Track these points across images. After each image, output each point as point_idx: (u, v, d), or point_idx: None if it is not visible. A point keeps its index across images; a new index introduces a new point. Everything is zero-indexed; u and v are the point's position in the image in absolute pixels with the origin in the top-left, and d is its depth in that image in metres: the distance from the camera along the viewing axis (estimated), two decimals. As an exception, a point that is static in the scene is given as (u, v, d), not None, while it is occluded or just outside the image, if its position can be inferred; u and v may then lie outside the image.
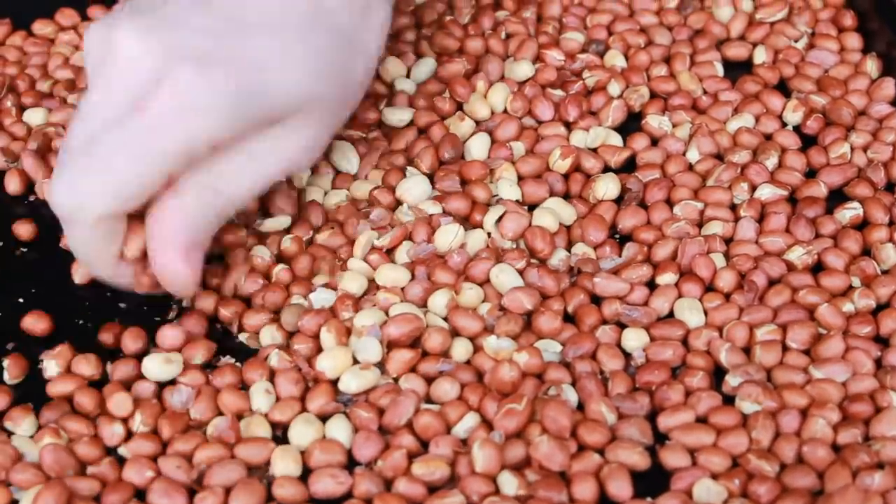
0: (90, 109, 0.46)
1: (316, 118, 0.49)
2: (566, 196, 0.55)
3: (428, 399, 0.47)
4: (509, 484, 0.43)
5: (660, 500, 0.43)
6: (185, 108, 0.44)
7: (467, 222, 0.53)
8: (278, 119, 0.47)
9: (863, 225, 0.54)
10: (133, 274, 0.49)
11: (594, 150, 0.57)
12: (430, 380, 0.47)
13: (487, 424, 0.45)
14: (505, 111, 0.59)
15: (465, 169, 0.55)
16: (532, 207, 0.54)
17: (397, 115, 0.58)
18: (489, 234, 0.52)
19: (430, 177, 0.55)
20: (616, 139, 0.58)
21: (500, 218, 0.52)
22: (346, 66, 0.50)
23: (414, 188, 0.54)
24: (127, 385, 0.48)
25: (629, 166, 0.57)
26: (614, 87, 0.60)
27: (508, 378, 0.46)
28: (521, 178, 0.55)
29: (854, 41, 0.63)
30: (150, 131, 0.44)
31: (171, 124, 0.44)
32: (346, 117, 0.53)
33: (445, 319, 0.49)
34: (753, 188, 0.55)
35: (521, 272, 0.50)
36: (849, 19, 0.64)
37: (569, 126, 0.58)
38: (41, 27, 0.65)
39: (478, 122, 0.58)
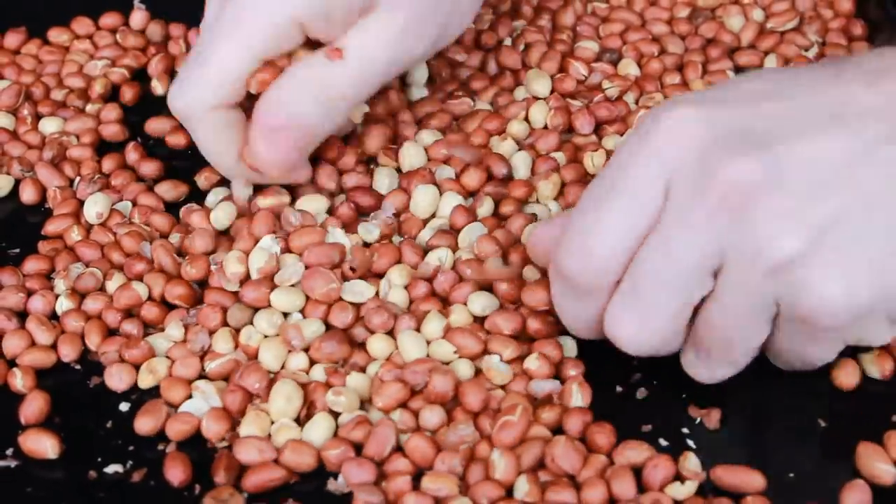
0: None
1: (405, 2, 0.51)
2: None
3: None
4: (521, 489, 0.43)
5: None
6: None
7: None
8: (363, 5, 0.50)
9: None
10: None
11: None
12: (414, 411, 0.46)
13: (487, 440, 0.45)
14: (545, 127, 0.58)
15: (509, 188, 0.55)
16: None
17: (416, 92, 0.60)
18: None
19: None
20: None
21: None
22: None
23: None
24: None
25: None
26: (628, 96, 0.60)
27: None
28: (564, 185, 0.55)
29: (864, 51, 0.63)
30: (235, 18, 0.50)
31: (253, 5, 0.49)
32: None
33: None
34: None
35: None
36: (859, 29, 0.64)
37: (599, 135, 0.58)
38: (57, 35, 0.65)
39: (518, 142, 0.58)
